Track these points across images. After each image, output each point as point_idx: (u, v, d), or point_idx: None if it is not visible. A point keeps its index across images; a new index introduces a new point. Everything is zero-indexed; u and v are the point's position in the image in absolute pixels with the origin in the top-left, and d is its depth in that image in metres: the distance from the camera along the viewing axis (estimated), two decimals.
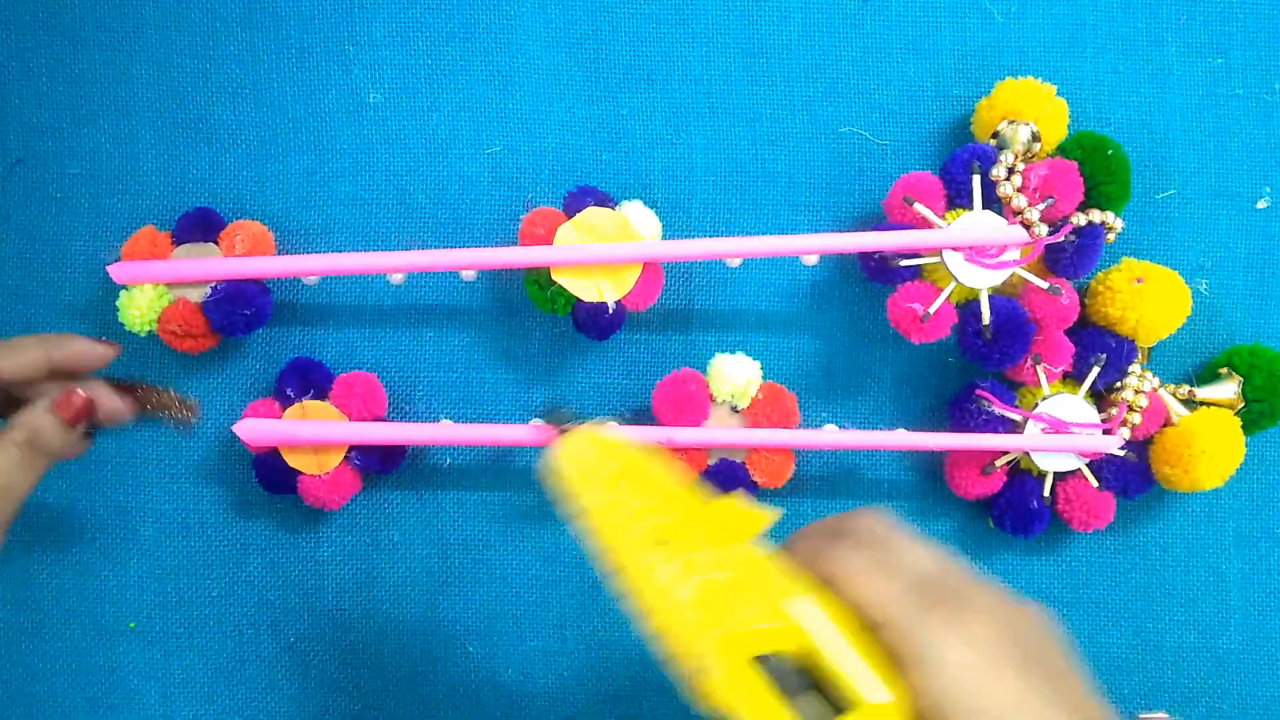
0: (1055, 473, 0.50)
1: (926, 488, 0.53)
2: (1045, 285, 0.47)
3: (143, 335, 0.49)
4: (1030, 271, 0.48)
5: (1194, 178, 0.52)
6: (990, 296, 0.48)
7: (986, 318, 0.47)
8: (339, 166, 0.52)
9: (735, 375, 0.49)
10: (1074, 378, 0.50)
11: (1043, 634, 0.29)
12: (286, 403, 0.49)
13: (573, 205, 0.49)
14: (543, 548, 0.53)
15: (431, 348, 0.53)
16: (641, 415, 0.52)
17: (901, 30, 0.52)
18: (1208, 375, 0.51)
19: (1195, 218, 0.52)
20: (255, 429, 0.48)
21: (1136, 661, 0.53)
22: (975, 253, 0.47)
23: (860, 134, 0.52)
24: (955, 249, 0.47)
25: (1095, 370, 0.48)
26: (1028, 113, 0.48)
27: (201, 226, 0.50)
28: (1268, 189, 0.52)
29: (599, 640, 0.53)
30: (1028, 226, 0.47)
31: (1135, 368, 0.49)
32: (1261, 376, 0.49)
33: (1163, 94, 0.52)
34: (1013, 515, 0.50)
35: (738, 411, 0.50)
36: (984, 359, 0.48)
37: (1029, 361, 0.49)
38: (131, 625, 0.53)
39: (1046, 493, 0.50)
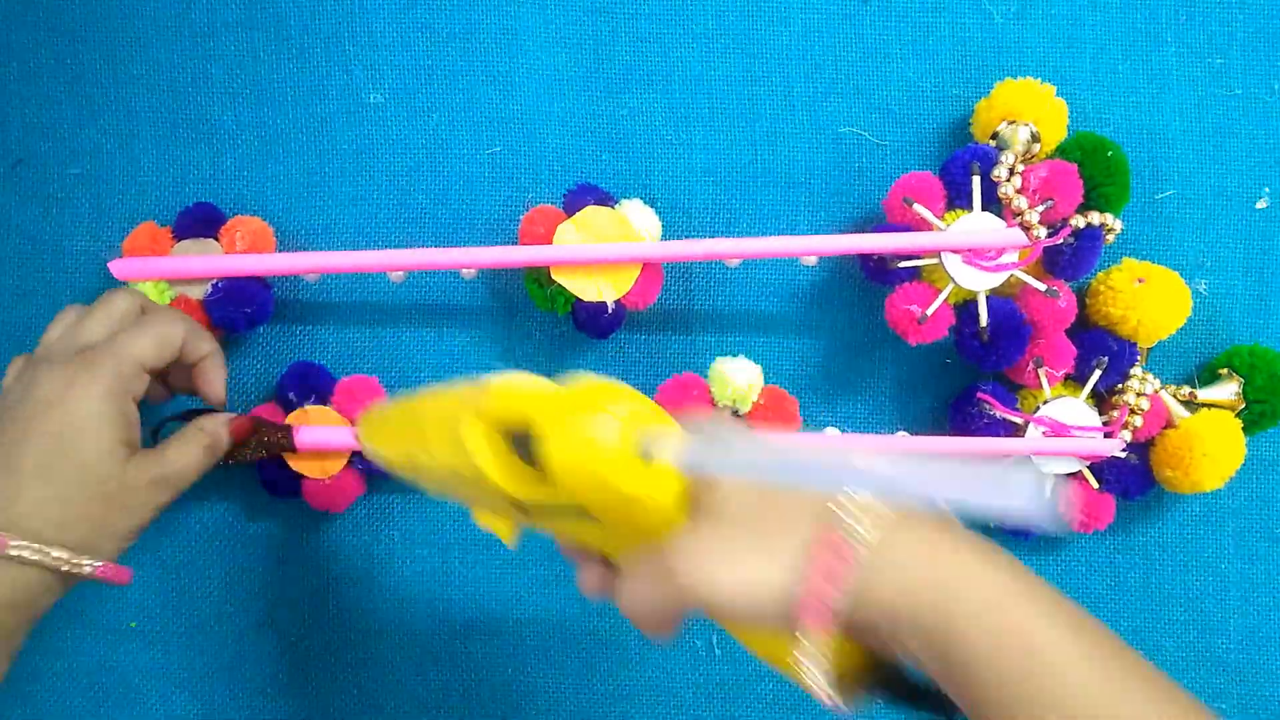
0: (1056, 474, 0.50)
1: None
2: (1043, 288, 0.47)
3: None
4: (1029, 273, 0.48)
5: (1193, 178, 0.52)
6: (988, 298, 0.48)
7: (984, 319, 0.47)
8: (339, 166, 0.52)
9: (737, 380, 0.48)
10: (1075, 380, 0.50)
11: None
12: (289, 407, 0.50)
13: (573, 203, 0.49)
14: (543, 548, 0.53)
15: (432, 347, 0.53)
16: None
17: (901, 30, 0.52)
18: (1208, 376, 0.51)
19: (1195, 218, 0.52)
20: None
21: None
22: (974, 254, 0.47)
23: (860, 134, 0.52)
24: (954, 251, 0.47)
25: (1097, 374, 0.48)
26: (1027, 113, 0.48)
27: (202, 222, 0.50)
28: (1267, 189, 0.52)
29: (599, 640, 0.53)
30: (1027, 228, 0.47)
31: (1137, 370, 0.49)
32: (1262, 377, 0.49)
33: (1162, 94, 0.52)
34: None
35: (739, 416, 0.50)
36: (981, 360, 0.48)
37: (1030, 364, 0.49)
38: (132, 625, 0.53)
39: (1047, 495, 0.50)
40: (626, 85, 0.52)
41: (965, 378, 0.52)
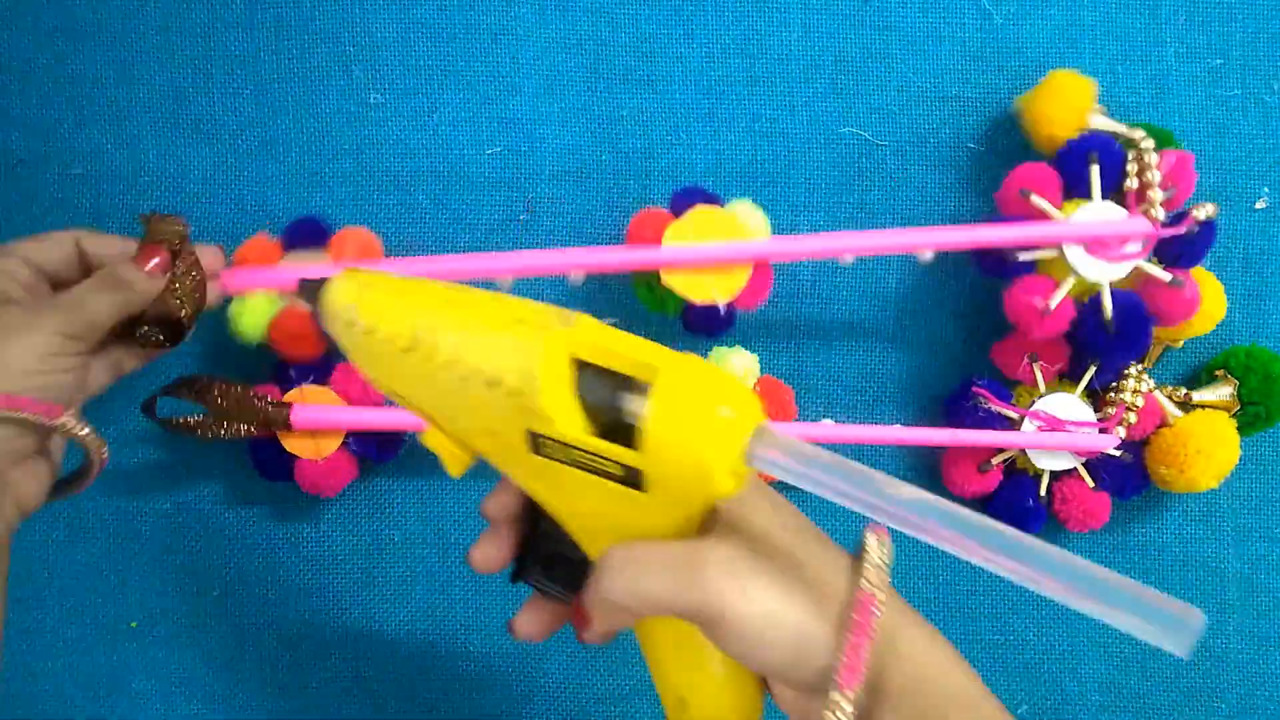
0: (1051, 472, 0.50)
1: (924, 486, 0.53)
2: (1168, 278, 0.47)
3: (254, 344, 0.49)
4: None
5: None
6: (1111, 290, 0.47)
7: (1109, 312, 0.47)
8: (340, 167, 0.52)
9: (732, 368, 0.49)
10: (1070, 378, 0.50)
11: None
12: (287, 385, 0.49)
13: (680, 205, 0.48)
14: None
15: None
16: None
17: (901, 30, 0.52)
18: (1204, 378, 0.51)
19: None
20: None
21: (1136, 661, 0.53)
22: (1097, 245, 0.47)
23: (860, 134, 0.52)
24: (1078, 242, 0.47)
25: (1092, 369, 0.49)
26: (1078, 106, 0.48)
27: (311, 234, 0.49)
28: (1267, 189, 0.52)
29: None
30: (1151, 219, 0.47)
31: (1134, 368, 0.49)
32: (1257, 379, 0.49)
33: (1162, 94, 0.52)
34: (1009, 514, 0.50)
35: None
36: (1105, 354, 0.47)
37: (1025, 360, 0.49)
38: (133, 624, 0.53)
39: (1043, 492, 0.50)
40: (626, 85, 0.52)
41: (961, 373, 0.52)
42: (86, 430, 0.40)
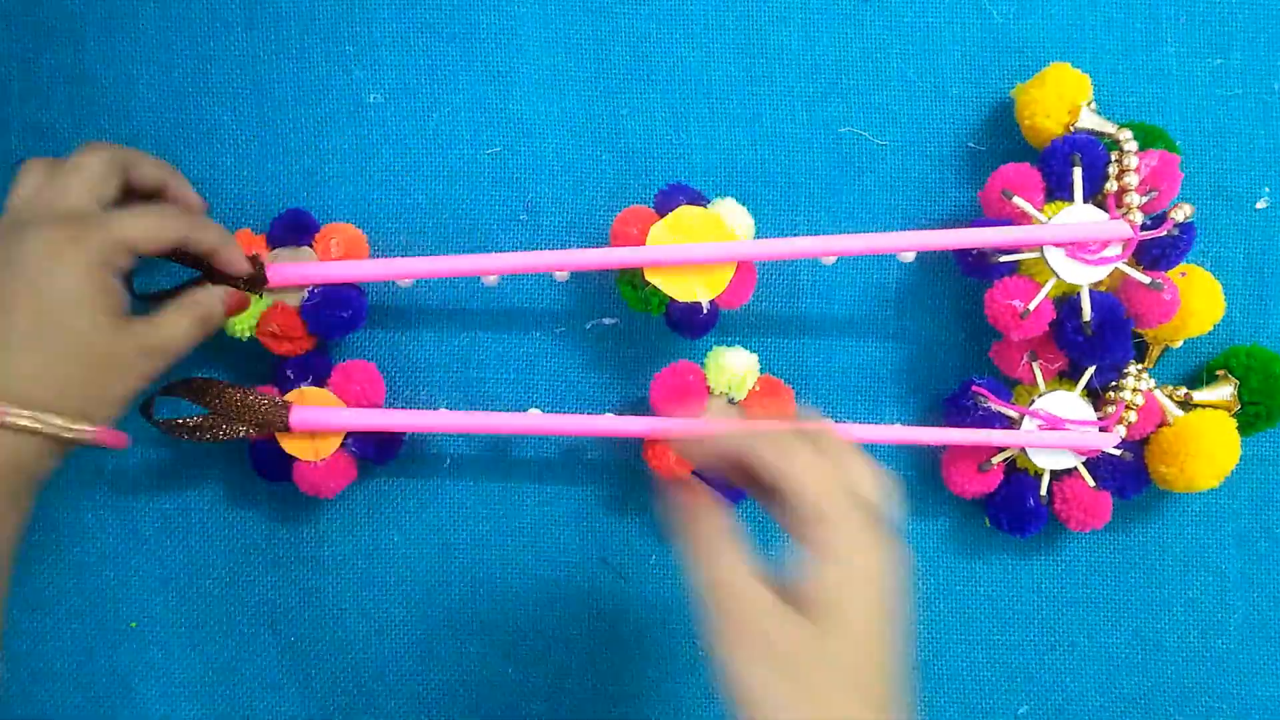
0: (1052, 471, 0.50)
1: (924, 487, 0.53)
2: (1147, 280, 0.47)
3: (244, 340, 0.49)
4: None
5: (1194, 178, 0.52)
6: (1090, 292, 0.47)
7: (1088, 314, 0.47)
8: (339, 167, 0.52)
9: (733, 366, 0.49)
10: (1069, 376, 0.50)
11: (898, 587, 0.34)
12: (286, 386, 0.49)
13: (664, 203, 0.48)
14: (543, 548, 0.53)
15: (431, 348, 0.53)
16: (639, 406, 0.52)
17: (901, 30, 0.52)
18: (1205, 377, 0.51)
19: (1195, 218, 0.52)
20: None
21: (1136, 661, 0.53)
22: (1077, 248, 0.47)
23: (860, 134, 0.52)
24: (1059, 244, 0.47)
25: (1091, 368, 0.48)
26: (1070, 99, 0.48)
27: (296, 229, 0.50)
28: (1267, 189, 0.52)
29: (599, 640, 0.53)
30: (1130, 222, 0.47)
31: (1133, 367, 0.49)
32: (1258, 379, 0.49)
33: (1163, 94, 0.52)
34: (1009, 514, 0.50)
35: (734, 403, 0.50)
36: (1084, 356, 0.47)
37: (1025, 358, 0.49)
38: (132, 625, 0.53)
39: (1043, 491, 0.50)
40: (626, 85, 0.52)
41: (961, 372, 0.52)
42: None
